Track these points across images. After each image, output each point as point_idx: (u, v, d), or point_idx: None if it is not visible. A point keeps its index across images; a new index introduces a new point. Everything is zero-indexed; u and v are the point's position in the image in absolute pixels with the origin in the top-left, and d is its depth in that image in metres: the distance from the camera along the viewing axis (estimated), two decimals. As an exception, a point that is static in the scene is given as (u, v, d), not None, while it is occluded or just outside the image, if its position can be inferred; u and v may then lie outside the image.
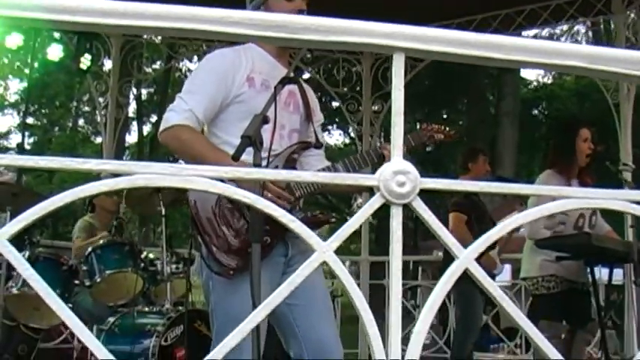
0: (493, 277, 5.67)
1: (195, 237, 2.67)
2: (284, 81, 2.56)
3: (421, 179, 1.26)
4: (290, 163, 2.71)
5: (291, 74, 2.65)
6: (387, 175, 1.25)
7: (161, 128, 2.61)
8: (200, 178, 1.22)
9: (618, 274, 6.71)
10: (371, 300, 8.46)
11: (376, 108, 8.44)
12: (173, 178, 1.21)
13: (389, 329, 1.21)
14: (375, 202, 1.25)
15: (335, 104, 15.04)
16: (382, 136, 9.39)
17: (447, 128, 3.05)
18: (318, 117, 2.96)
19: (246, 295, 2.42)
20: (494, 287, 1.29)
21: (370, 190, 1.29)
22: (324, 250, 1.22)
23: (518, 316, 1.27)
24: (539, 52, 1.30)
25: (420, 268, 14.33)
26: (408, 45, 1.28)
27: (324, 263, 1.25)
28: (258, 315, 1.19)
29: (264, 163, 2.31)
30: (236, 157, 2.19)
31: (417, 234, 21.00)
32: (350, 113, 8.44)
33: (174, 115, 2.59)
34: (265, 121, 2.28)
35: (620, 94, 6.84)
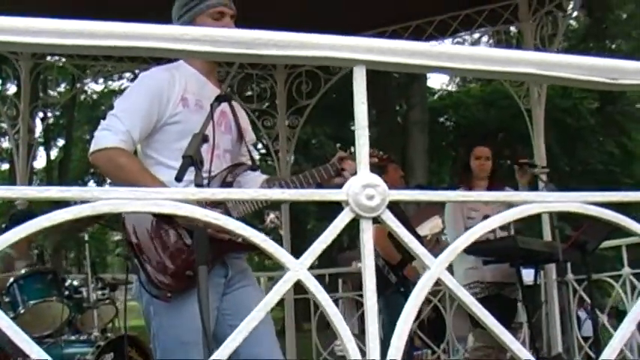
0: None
1: (132, 261, 2.59)
2: (219, 99, 2.52)
3: (389, 191, 1.25)
4: (225, 186, 2.66)
5: (224, 92, 2.62)
6: (355, 189, 1.24)
7: (94, 148, 2.51)
8: (166, 201, 1.18)
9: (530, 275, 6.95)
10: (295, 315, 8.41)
11: (291, 123, 8.43)
12: (138, 202, 1.16)
13: (368, 343, 1.20)
14: (346, 217, 1.24)
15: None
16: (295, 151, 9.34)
17: (381, 152, 3.05)
18: (250, 137, 2.91)
19: (190, 318, 2.36)
20: (465, 295, 1.30)
21: (337, 204, 1.27)
22: (296, 268, 1.20)
23: (491, 322, 1.28)
24: (498, 61, 1.32)
25: (340, 280, 14.40)
26: (369, 57, 1.28)
27: (295, 280, 1.22)
28: (236, 340, 1.15)
29: (205, 183, 2.26)
30: (179, 179, 2.13)
31: (332, 247, 21.12)
32: (265, 129, 8.41)
33: (110, 135, 2.50)
34: (205, 140, 2.24)
35: (531, 100, 7.06)
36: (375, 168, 4.91)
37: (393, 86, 19.74)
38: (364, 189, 1.23)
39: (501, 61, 1.36)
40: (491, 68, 1.36)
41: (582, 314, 10.87)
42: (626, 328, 1.31)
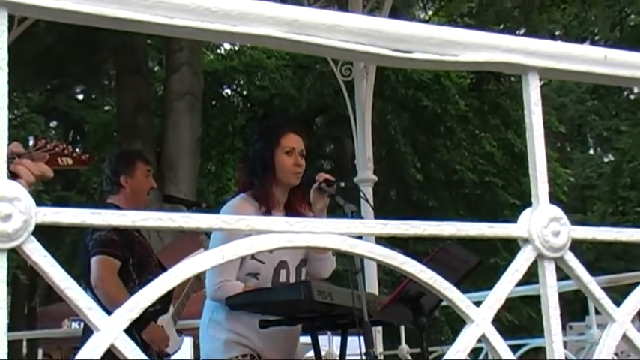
0: (166, 357, 5.80)
1: None
2: None
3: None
4: None
5: None
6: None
7: None
8: None
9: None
10: None
11: None
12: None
13: None
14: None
15: None
16: None
17: (78, 150, 3.11)
18: None
19: None
20: None
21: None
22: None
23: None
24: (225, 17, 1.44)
25: (40, 351, 14.20)
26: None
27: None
28: None
29: None
30: None
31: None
32: None
33: None
34: None
35: (354, 69, 7.33)
36: (115, 164, 4.88)
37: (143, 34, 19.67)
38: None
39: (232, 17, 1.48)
40: (216, 27, 1.48)
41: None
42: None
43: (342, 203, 4.79)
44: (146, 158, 6.33)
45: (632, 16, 25.31)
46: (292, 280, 5.04)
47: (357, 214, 4.77)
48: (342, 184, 5.04)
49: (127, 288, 5.37)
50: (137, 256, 5.67)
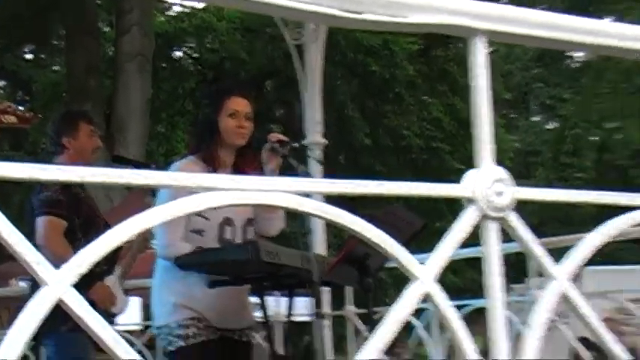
0: (112, 317, 5.78)
1: None
2: None
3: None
4: None
5: None
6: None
7: None
8: None
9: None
10: None
11: None
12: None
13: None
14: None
15: None
16: None
17: (22, 108, 3.11)
18: None
19: None
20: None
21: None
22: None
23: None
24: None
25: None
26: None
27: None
28: None
29: None
30: None
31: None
32: None
33: None
34: None
35: (304, 33, 7.29)
36: (58, 124, 4.84)
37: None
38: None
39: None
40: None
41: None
42: None
43: (296, 164, 4.85)
44: (89, 118, 6.28)
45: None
46: (238, 237, 5.08)
47: (308, 176, 4.81)
48: (296, 145, 5.10)
49: (72, 248, 5.33)
50: (83, 216, 5.64)
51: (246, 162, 5.15)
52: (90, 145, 5.91)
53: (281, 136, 5.05)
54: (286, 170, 4.99)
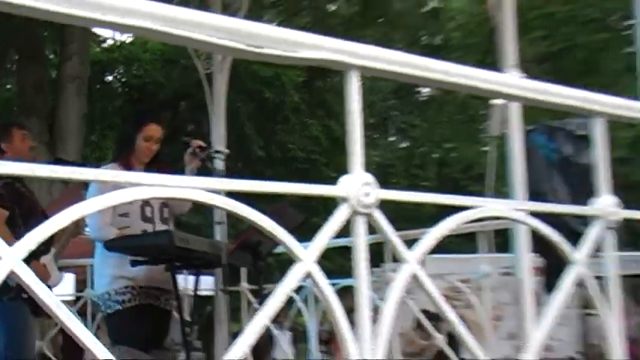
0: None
1: None
2: None
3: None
4: None
5: None
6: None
7: None
8: None
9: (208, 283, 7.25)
10: None
11: None
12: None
13: None
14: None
15: None
16: None
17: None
18: None
19: None
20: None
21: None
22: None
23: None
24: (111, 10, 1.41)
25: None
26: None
27: None
28: None
29: None
30: None
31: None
32: None
33: None
34: None
35: (214, 62, 7.29)
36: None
37: (45, 24, 19.14)
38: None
39: (120, 11, 1.45)
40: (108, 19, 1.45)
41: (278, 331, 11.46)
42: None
43: (211, 167, 5.04)
44: (21, 124, 6.29)
45: (423, 38, 25.98)
46: (157, 217, 5.17)
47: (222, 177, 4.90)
48: (213, 151, 5.30)
49: (13, 234, 5.25)
50: (24, 208, 5.55)
51: (160, 166, 5.22)
52: (24, 145, 5.83)
53: (201, 143, 5.28)
54: (203, 171, 5.13)
